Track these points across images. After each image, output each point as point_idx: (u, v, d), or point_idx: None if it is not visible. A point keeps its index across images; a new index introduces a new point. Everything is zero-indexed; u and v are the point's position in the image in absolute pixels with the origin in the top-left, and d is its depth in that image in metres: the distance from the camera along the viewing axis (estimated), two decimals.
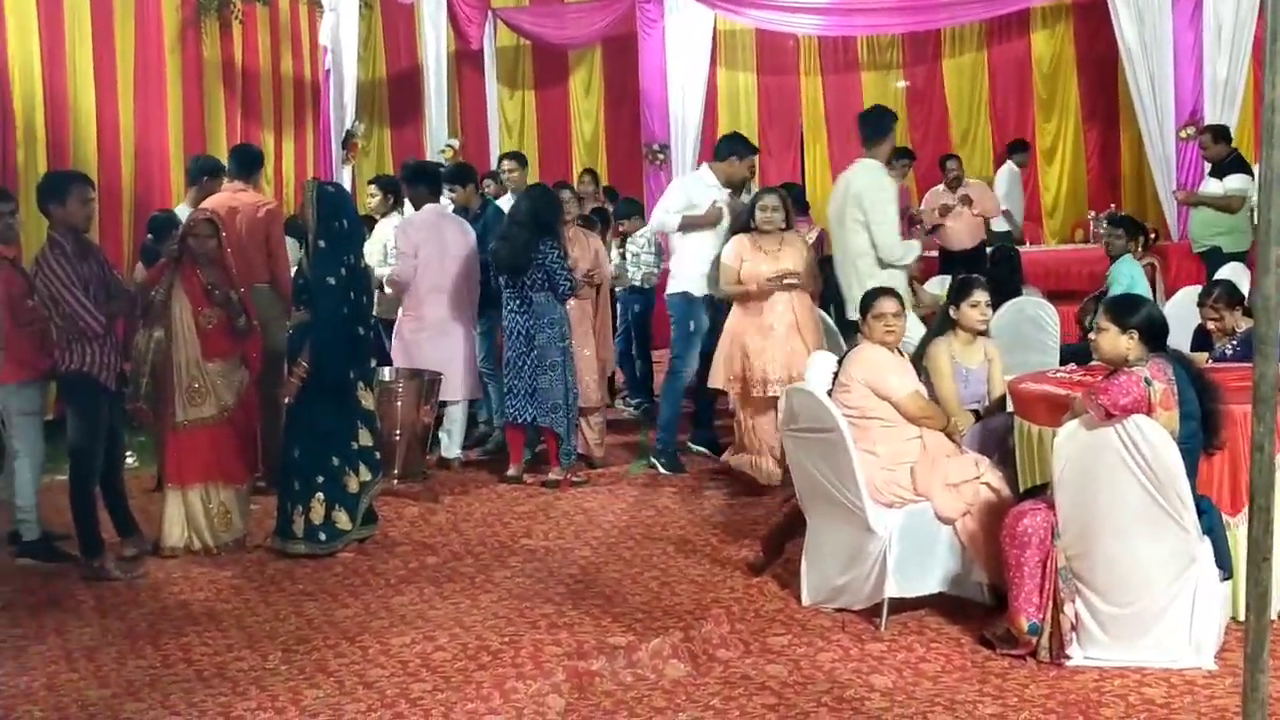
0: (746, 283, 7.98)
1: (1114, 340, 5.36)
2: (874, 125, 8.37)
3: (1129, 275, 8.74)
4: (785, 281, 7.89)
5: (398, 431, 8.28)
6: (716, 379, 8.28)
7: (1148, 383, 5.19)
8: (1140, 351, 5.32)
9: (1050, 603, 5.22)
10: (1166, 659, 5.12)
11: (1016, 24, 14.76)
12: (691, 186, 9.19)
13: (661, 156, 14.47)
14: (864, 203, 7.99)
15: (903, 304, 6.39)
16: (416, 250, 8.65)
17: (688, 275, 8.84)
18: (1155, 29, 13.68)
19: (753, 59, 15.31)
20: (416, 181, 9.04)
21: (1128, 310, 5.45)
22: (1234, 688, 4.75)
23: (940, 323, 6.85)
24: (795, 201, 10.30)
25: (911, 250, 8.31)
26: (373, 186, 10.11)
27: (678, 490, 8.26)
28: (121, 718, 4.98)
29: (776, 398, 7.35)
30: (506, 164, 10.46)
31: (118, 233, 10.11)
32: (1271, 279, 3.31)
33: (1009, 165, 13.77)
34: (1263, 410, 3.36)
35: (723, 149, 9.14)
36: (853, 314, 7.51)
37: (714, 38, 14.82)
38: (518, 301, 8.40)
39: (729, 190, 8.92)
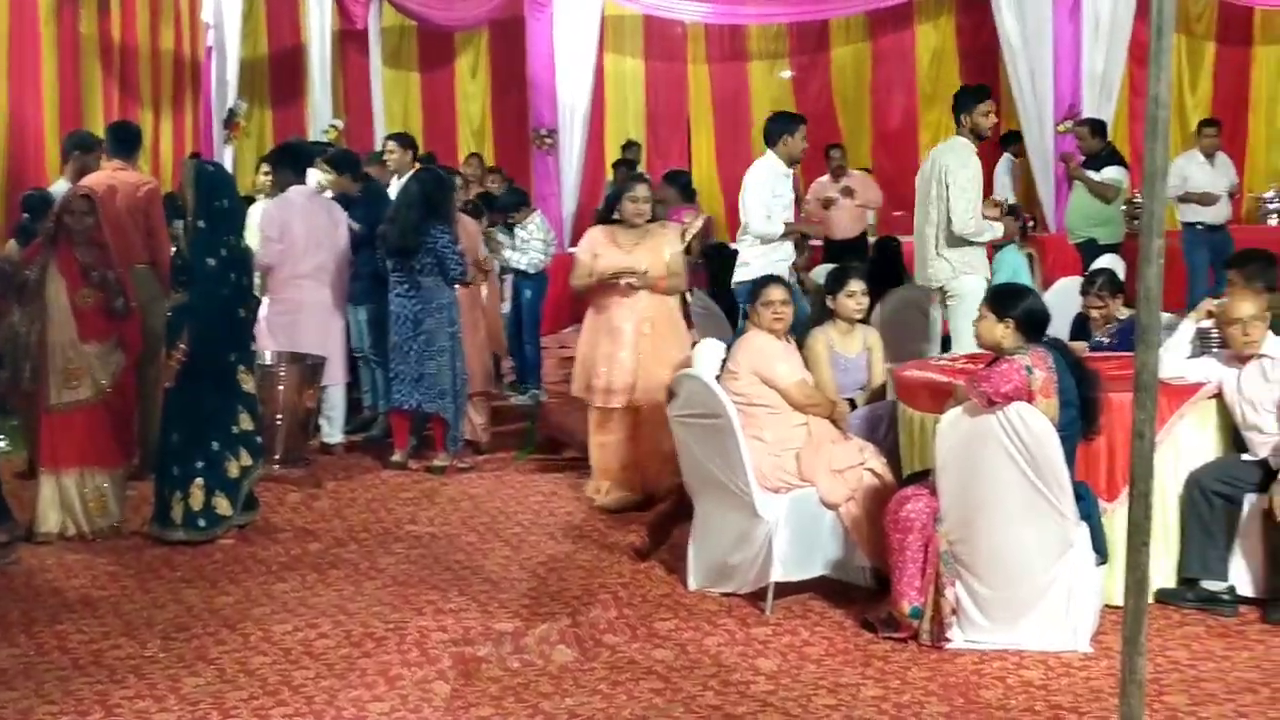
0: (597, 278, 7.39)
1: (991, 328, 5.46)
2: (959, 103, 8.27)
3: (1011, 265, 8.89)
4: (624, 282, 7.23)
5: (279, 416, 8.13)
6: (576, 387, 7.76)
7: (1029, 371, 5.28)
8: (1015, 340, 5.41)
9: (931, 587, 5.30)
10: (1044, 642, 5.21)
11: (900, 16, 14.90)
12: (768, 179, 8.91)
13: (549, 141, 14.40)
14: (948, 177, 7.98)
15: (790, 291, 6.44)
16: (281, 233, 8.48)
17: (762, 263, 8.59)
18: (1035, 23, 13.87)
19: (640, 45, 15.30)
20: (282, 163, 8.89)
21: (1007, 299, 5.55)
22: (1109, 670, 4.87)
23: (819, 312, 6.91)
24: (682, 189, 10.34)
25: (990, 230, 8.22)
26: (265, 165, 9.91)
27: (565, 477, 8.21)
28: None
29: (616, 409, 7.27)
30: (390, 145, 10.31)
31: None
32: (1153, 269, 3.37)
33: (1006, 156, 13.81)
34: (1144, 397, 3.41)
35: (772, 133, 8.98)
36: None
37: (602, 23, 14.75)
38: (406, 285, 8.27)
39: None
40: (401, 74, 15.55)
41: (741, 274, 8.76)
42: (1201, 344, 6.03)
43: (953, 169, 7.94)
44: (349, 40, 14.77)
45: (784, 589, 5.75)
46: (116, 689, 4.96)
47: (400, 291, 8.30)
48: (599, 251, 7.38)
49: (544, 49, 14.71)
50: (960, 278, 7.87)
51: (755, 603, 5.76)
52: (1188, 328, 6.10)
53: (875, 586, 5.72)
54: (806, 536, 5.77)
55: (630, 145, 14.24)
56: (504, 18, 15.05)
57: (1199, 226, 12.32)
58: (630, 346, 7.25)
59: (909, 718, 4.66)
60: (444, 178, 8.78)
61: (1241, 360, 5.76)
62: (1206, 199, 12.31)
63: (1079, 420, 5.37)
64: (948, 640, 5.26)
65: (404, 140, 10.32)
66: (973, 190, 8.00)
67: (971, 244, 7.98)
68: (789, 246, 8.90)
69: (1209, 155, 12.61)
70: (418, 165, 9.72)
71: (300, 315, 8.52)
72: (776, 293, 6.21)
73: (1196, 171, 12.51)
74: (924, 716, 4.67)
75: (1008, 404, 5.17)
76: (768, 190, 8.76)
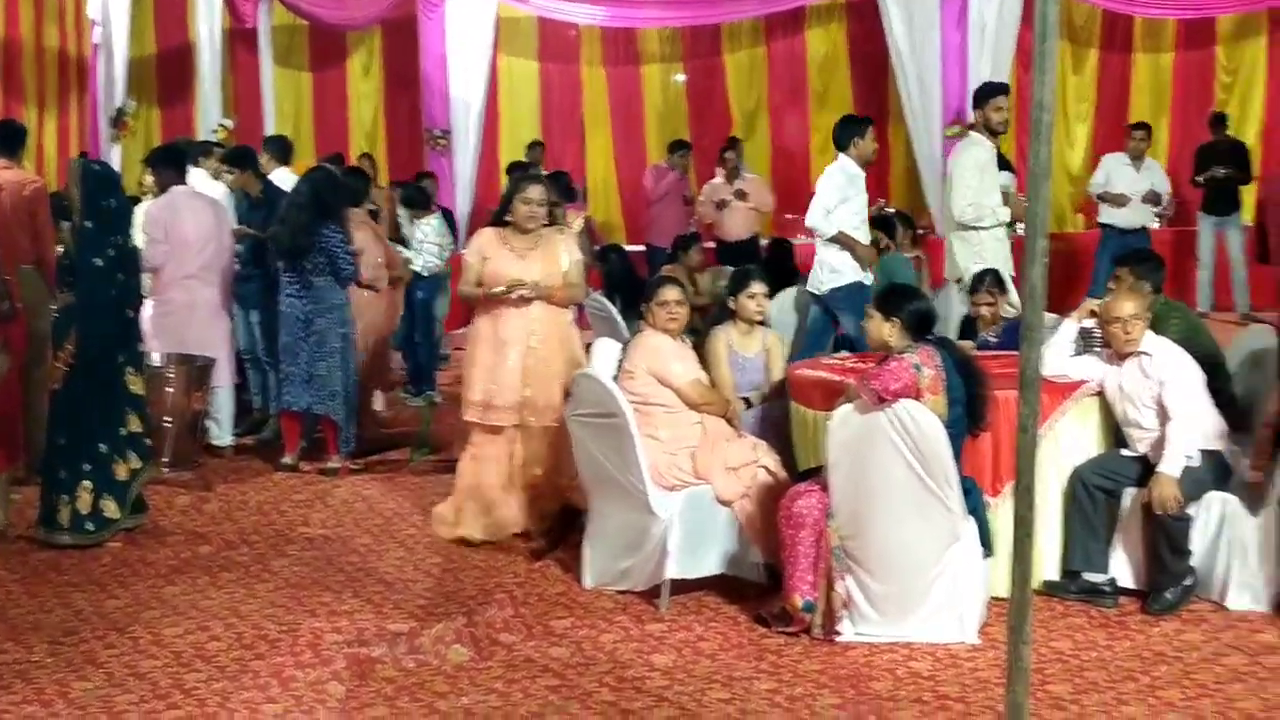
0: (486, 286, 6.78)
1: (878, 327, 5.57)
2: (975, 99, 8.63)
3: (898, 270, 8.98)
4: (516, 294, 6.67)
5: (168, 418, 8.04)
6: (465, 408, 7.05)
7: (918, 369, 5.38)
8: (903, 339, 5.51)
9: (823, 581, 5.37)
10: (933, 634, 5.30)
11: (792, 21, 15.03)
12: (840, 182, 8.82)
13: (443, 142, 14.37)
14: (952, 168, 8.55)
15: (685, 292, 6.49)
16: (166, 234, 8.34)
17: (853, 265, 8.68)
18: (923, 30, 14.10)
19: (535, 47, 15.29)
20: (163, 164, 8.77)
21: (893, 299, 5.66)
22: (995, 660, 4.98)
23: (720, 313, 6.96)
24: (564, 189, 10.37)
25: (986, 215, 8.46)
26: (146, 166, 9.79)
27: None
28: None
29: (502, 428, 6.76)
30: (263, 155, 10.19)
31: None
32: (1037, 269, 3.46)
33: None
34: (1028, 394, 3.50)
35: (842, 136, 8.97)
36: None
37: (496, 24, 14.76)
38: (297, 286, 8.20)
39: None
40: (292, 73, 15.41)
41: (832, 280, 8.71)
42: (1084, 342, 6.15)
43: (956, 160, 8.50)
44: (238, 39, 14.61)
45: (679, 586, 5.80)
46: (3, 695, 4.90)
47: (291, 292, 8.23)
48: (489, 255, 6.81)
49: (437, 49, 14.68)
50: (972, 266, 8.18)
51: (650, 600, 5.80)
52: (1070, 326, 6.24)
53: (769, 582, 5.76)
54: (701, 533, 5.82)
55: (535, 145, 14.21)
56: (397, 17, 14.98)
57: (1111, 228, 12.59)
58: (517, 361, 6.71)
59: (801, 710, 4.72)
60: (336, 177, 8.73)
61: (1122, 358, 5.88)
62: (1119, 201, 12.56)
63: (966, 417, 5.47)
64: (839, 633, 5.34)
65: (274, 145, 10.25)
66: (970, 179, 8.36)
67: (976, 230, 8.42)
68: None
69: (1136, 159, 12.86)
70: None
71: (187, 315, 8.40)
72: (671, 293, 6.26)
73: (1120, 173, 12.77)
74: (816, 709, 4.73)
75: (897, 401, 5.26)
76: (838, 193, 8.77)
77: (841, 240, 8.64)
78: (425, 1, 14.73)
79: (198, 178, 8.97)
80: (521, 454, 6.80)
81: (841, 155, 8.96)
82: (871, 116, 14.68)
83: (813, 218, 8.80)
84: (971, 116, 8.61)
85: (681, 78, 15.43)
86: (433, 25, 14.72)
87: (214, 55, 13.78)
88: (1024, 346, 3.53)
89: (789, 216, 14.49)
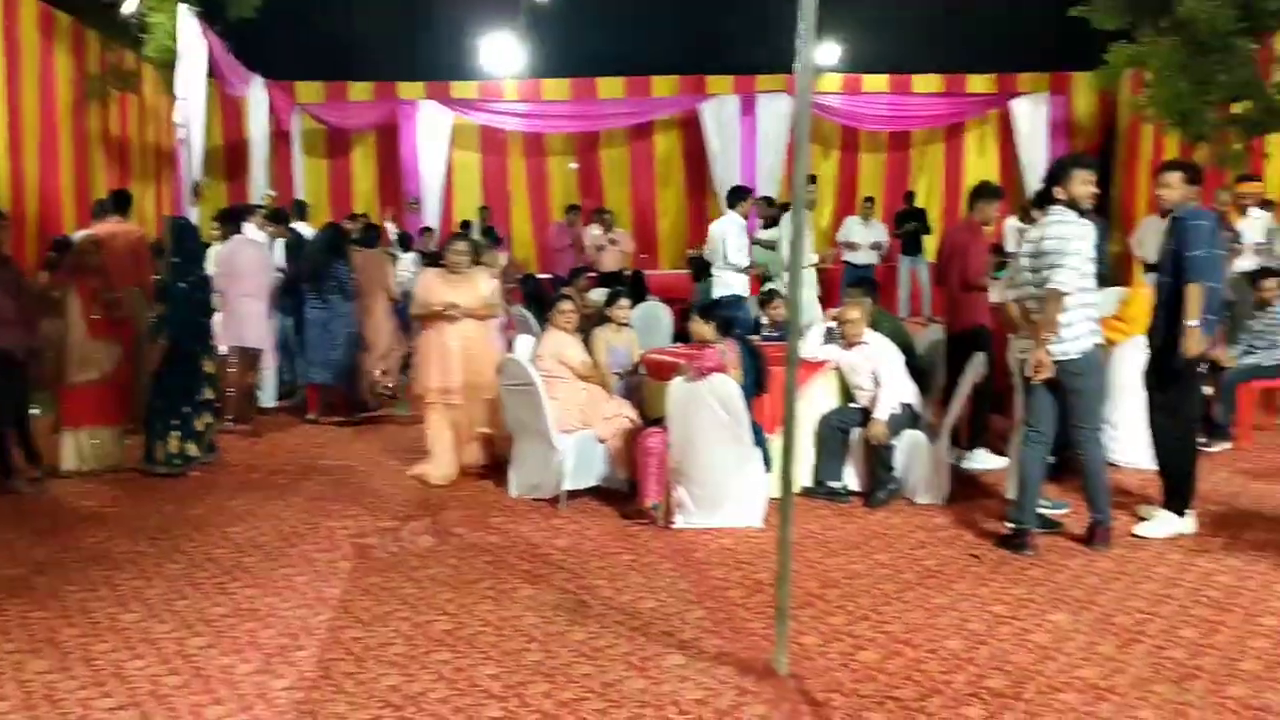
0: (430, 307, 6.43)
1: (700, 327, 5.63)
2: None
3: (707, 290, 8.97)
4: (447, 312, 6.38)
5: (230, 389, 7.88)
6: (417, 387, 6.68)
7: (724, 354, 5.47)
8: (716, 334, 5.59)
9: (664, 489, 5.44)
10: (734, 521, 5.38)
11: (646, 130, 15.00)
12: (735, 230, 8.63)
13: (416, 206, 14.15)
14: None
15: (576, 304, 6.50)
16: (229, 267, 8.00)
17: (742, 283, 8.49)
18: (728, 136, 14.24)
19: (478, 143, 15.08)
20: (226, 220, 8.54)
21: (710, 310, 5.75)
22: (773, 537, 4.98)
23: (599, 318, 6.97)
24: (494, 239, 10.35)
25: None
26: (214, 221, 9.52)
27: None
28: (32, 588, 4.61)
29: (458, 405, 6.43)
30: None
31: (22, 251, 9.23)
32: (798, 291, 3.55)
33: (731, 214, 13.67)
34: (791, 367, 3.60)
35: (732, 199, 8.89)
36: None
37: (451, 128, 14.57)
38: (318, 301, 8.10)
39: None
40: (315, 160, 15.03)
41: (724, 291, 8.60)
42: (829, 336, 6.29)
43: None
44: (279, 136, 14.22)
45: (573, 494, 5.81)
46: (117, 574, 4.78)
47: (314, 305, 8.12)
48: (430, 287, 6.51)
49: (411, 144, 14.45)
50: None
51: (553, 504, 5.80)
52: (821, 326, 6.36)
53: (630, 491, 5.80)
54: (586, 460, 5.84)
55: (483, 209, 14.03)
56: (385, 124, 14.68)
57: (849, 264, 12.66)
58: (459, 359, 6.41)
59: (649, 572, 4.76)
60: (343, 229, 8.69)
61: (851, 346, 6.01)
62: (854, 247, 12.77)
63: (754, 384, 5.58)
64: (674, 523, 5.40)
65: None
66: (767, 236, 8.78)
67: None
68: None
69: (865, 219, 13.07)
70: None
71: (243, 320, 8.17)
72: (566, 305, 6.27)
73: (855, 229, 12.97)
74: (660, 570, 4.77)
75: (711, 375, 5.35)
76: (737, 237, 8.77)
77: (738, 268, 8.78)
78: (404, 114, 14.50)
79: (249, 229, 8.74)
80: (468, 419, 6.52)
81: (730, 211, 8.98)
82: (700, 193, 14.98)
83: (734, 255, 8.72)
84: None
85: (574, 166, 15.26)
86: (409, 129, 14.49)
87: (262, 146, 13.40)
88: (790, 338, 3.63)
89: (643, 256, 14.55)
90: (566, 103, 14.73)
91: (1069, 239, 4.74)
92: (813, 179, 8.97)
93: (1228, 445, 6.76)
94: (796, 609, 4.25)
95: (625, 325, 6.77)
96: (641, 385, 6.42)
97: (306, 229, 9.70)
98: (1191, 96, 10.23)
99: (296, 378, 9.02)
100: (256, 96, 13.33)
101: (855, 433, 5.89)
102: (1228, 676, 3.59)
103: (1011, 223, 10.90)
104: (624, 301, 6.69)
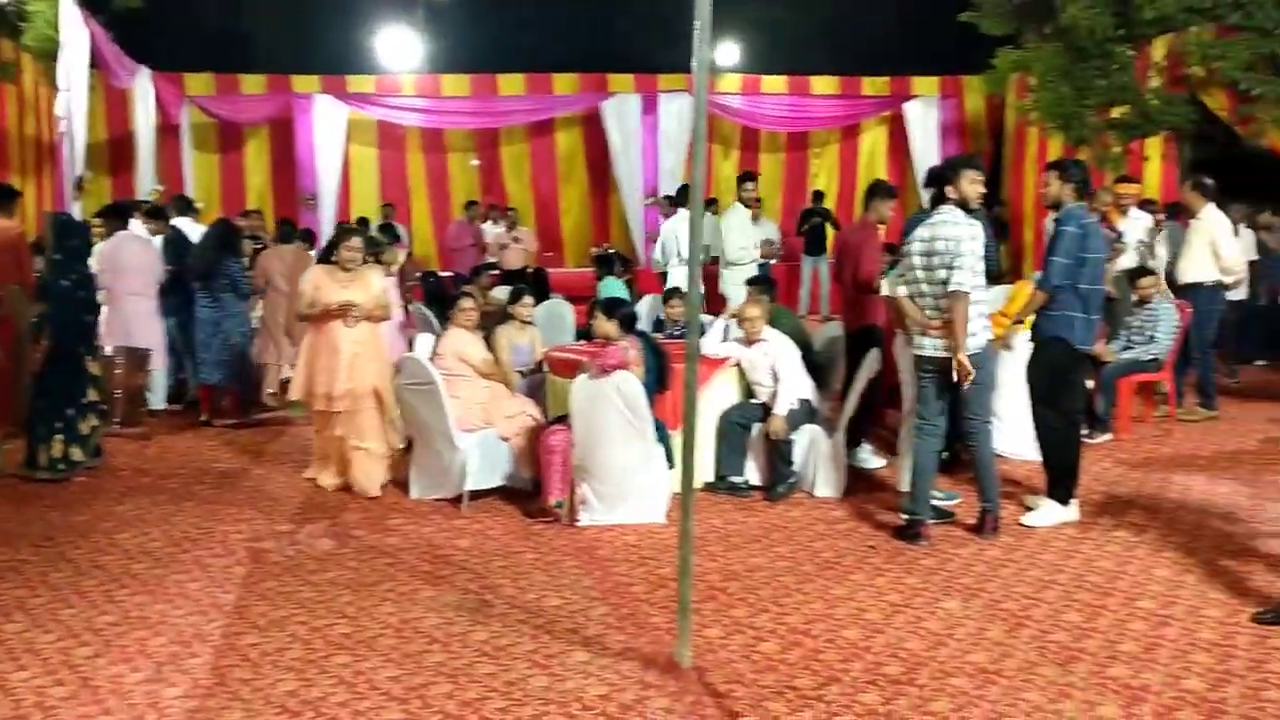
0: (319, 307, 5.99)
1: (604, 325, 5.65)
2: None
3: (610, 288, 9.00)
4: (351, 314, 5.97)
5: (117, 391, 7.57)
6: (295, 391, 6.26)
7: (627, 351, 5.49)
8: (619, 332, 5.61)
9: (568, 487, 5.43)
10: (638, 517, 5.40)
11: (547, 127, 14.96)
12: (684, 229, 8.33)
13: (312, 202, 13.87)
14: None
15: (477, 302, 6.44)
16: (113, 264, 7.80)
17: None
18: (629, 134, 14.29)
19: (375, 139, 14.82)
20: (110, 216, 8.26)
21: (613, 307, 5.76)
22: (675, 532, 5.09)
23: (501, 315, 6.93)
24: (394, 235, 10.20)
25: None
26: (97, 219, 9.16)
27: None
28: None
29: (339, 412, 5.98)
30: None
31: None
32: (696, 289, 3.59)
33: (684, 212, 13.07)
34: (691, 364, 3.64)
35: (679, 199, 8.95)
36: None
37: (347, 124, 14.29)
38: (209, 299, 7.85)
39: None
40: (206, 155, 14.57)
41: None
42: (729, 333, 6.38)
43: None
44: (166, 129, 13.74)
45: (476, 494, 5.75)
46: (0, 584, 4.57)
47: (204, 304, 7.87)
48: (320, 285, 5.98)
49: (307, 140, 14.13)
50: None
51: (456, 504, 5.74)
52: (721, 323, 6.44)
53: (533, 490, 5.77)
54: (489, 459, 5.78)
55: (388, 205, 13.86)
56: (279, 118, 14.33)
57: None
58: (348, 360, 5.96)
59: (553, 570, 4.75)
60: (233, 225, 8.44)
61: (750, 343, 6.09)
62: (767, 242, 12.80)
63: (656, 381, 5.61)
64: (579, 521, 5.39)
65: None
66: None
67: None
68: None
69: (755, 219, 13.06)
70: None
71: (130, 319, 7.90)
72: (466, 303, 6.21)
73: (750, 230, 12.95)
74: (564, 568, 4.77)
75: (614, 372, 5.37)
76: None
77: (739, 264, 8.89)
78: (299, 108, 14.17)
79: (135, 225, 8.45)
80: (355, 430, 6.03)
81: (680, 210, 9.36)
82: (603, 191, 15.00)
83: (733, 253, 8.85)
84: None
85: (476, 162, 15.13)
86: (304, 123, 14.17)
87: (148, 140, 12.95)
88: (689, 336, 3.67)
89: (548, 254, 14.52)
90: (466, 99, 14.58)
91: (962, 239, 4.88)
92: (753, 176, 9.16)
93: (1109, 436, 7.07)
94: (699, 603, 4.30)
95: (528, 323, 6.74)
96: (545, 383, 6.40)
97: (192, 225, 9.38)
98: (1073, 101, 10.67)
99: (186, 379, 8.75)
100: (142, 88, 12.89)
101: (756, 428, 5.97)
102: (1109, 658, 3.76)
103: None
104: (527, 299, 6.66)
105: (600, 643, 3.94)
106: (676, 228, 9.28)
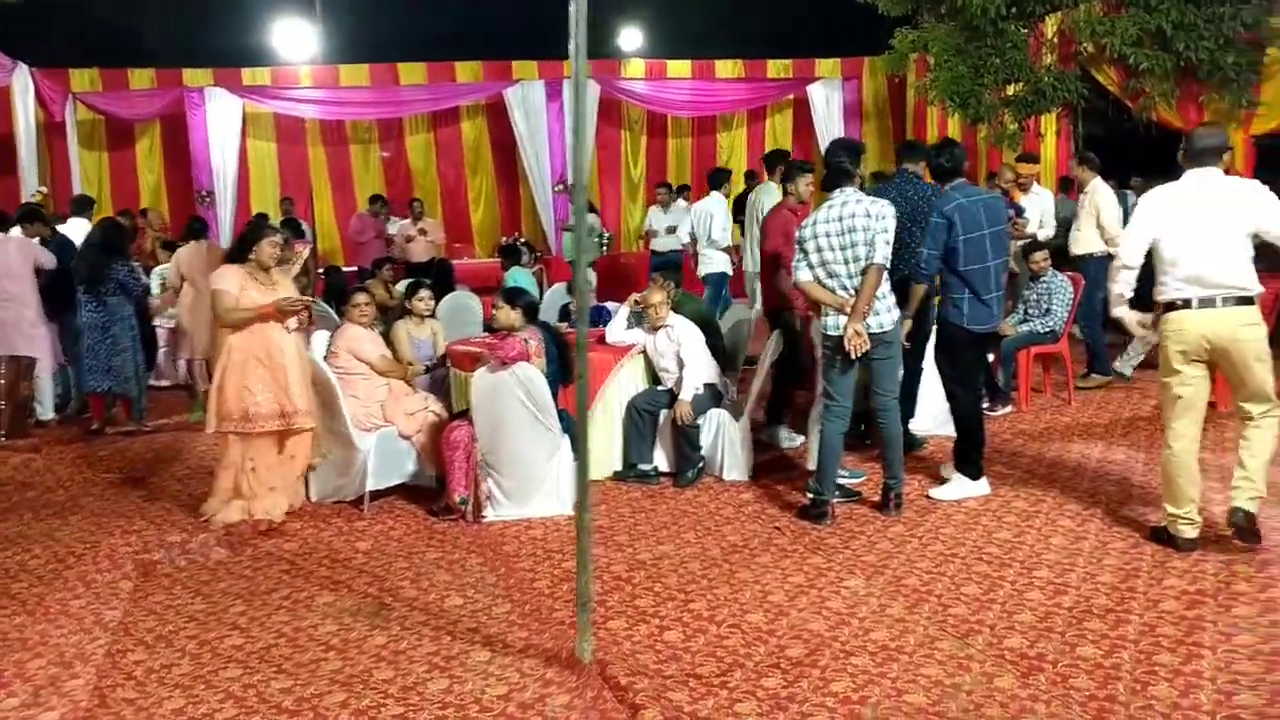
0: (246, 309, 5.38)
1: (507, 314, 5.54)
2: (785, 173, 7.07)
3: (516, 278, 8.92)
4: (302, 313, 5.61)
5: (2, 402, 7.24)
6: (211, 424, 5.39)
7: (528, 342, 5.40)
8: (521, 321, 5.52)
9: (472, 483, 5.34)
10: (544, 511, 5.33)
11: (452, 116, 14.75)
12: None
13: (208, 199, 13.45)
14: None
15: (373, 297, 6.28)
16: None
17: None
18: (535, 123, 14.14)
19: (273, 132, 14.43)
20: None
21: (516, 296, 5.65)
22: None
23: (400, 310, 6.79)
24: (296, 230, 9.92)
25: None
26: None
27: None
28: None
29: (276, 432, 5.39)
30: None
31: None
32: (581, 275, 3.53)
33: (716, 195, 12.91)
34: (583, 354, 3.57)
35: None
36: None
37: (244, 117, 13.88)
38: (95, 304, 7.51)
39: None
40: (94, 153, 14.03)
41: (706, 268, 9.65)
42: (635, 320, 6.34)
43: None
44: (51, 128, 13.18)
45: (378, 495, 5.64)
46: None
47: (91, 309, 7.52)
48: (244, 286, 5.41)
49: (200, 135, 13.70)
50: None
51: (357, 506, 5.61)
52: (625, 310, 6.39)
53: (438, 487, 5.67)
54: (390, 458, 5.66)
55: (286, 199, 13.52)
56: (170, 113, 13.85)
57: (654, 252, 12.52)
58: (298, 374, 5.42)
59: (457, 568, 4.66)
60: (120, 226, 8.08)
61: (655, 330, 6.08)
62: (654, 234, 12.70)
63: (560, 372, 5.54)
64: (484, 517, 5.31)
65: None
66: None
67: None
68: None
69: (665, 206, 12.98)
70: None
71: (13, 327, 7.56)
72: (360, 298, 6.03)
73: (657, 217, 12.83)
74: (468, 566, 4.68)
75: (515, 363, 5.28)
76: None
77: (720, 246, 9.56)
78: (191, 102, 13.71)
79: (15, 230, 8.06)
80: (293, 448, 5.50)
81: (714, 192, 9.78)
82: (511, 180, 14.82)
83: (718, 234, 9.52)
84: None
85: (386, 154, 14.82)
86: (197, 118, 13.73)
87: (30, 140, 12.42)
88: (578, 325, 3.59)
89: (457, 245, 14.33)
90: (366, 89, 14.27)
91: (885, 216, 4.93)
92: (726, 174, 9.63)
93: (1010, 409, 7.20)
94: (604, 594, 4.26)
95: (428, 317, 6.61)
96: (448, 378, 6.27)
97: (82, 225, 8.97)
98: (969, 79, 10.82)
99: (69, 387, 8.41)
100: (21, 85, 12.34)
101: (663, 414, 5.94)
102: (1006, 629, 3.81)
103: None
104: (424, 293, 6.53)
105: (502, 641, 3.86)
106: (710, 208, 9.46)
